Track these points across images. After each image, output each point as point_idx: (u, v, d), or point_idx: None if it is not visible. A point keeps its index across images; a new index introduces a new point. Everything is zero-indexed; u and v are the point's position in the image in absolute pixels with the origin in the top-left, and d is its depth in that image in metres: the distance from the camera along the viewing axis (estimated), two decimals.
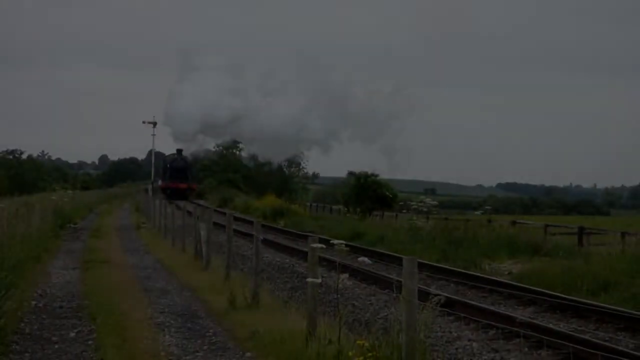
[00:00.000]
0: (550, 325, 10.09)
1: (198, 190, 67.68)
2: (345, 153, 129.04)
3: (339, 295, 8.70)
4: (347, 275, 7.60)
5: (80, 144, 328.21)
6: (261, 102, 60.09)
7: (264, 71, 68.97)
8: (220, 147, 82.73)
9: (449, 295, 10.96)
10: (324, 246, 7.91)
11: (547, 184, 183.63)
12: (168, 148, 74.16)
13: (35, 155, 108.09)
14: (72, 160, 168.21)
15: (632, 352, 8.58)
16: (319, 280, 8.12)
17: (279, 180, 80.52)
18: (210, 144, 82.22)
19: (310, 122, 57.63)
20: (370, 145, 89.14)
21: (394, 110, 57.58)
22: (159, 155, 79.87)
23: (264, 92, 61.34)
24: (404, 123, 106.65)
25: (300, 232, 27.11)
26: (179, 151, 68.76)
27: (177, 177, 65.03)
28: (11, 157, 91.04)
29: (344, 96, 59.78)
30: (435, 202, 28.43)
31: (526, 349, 9.06)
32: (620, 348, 8.71)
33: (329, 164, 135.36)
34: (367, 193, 36.69)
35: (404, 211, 32.00)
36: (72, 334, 9.15)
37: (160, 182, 67.53)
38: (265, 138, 58.69)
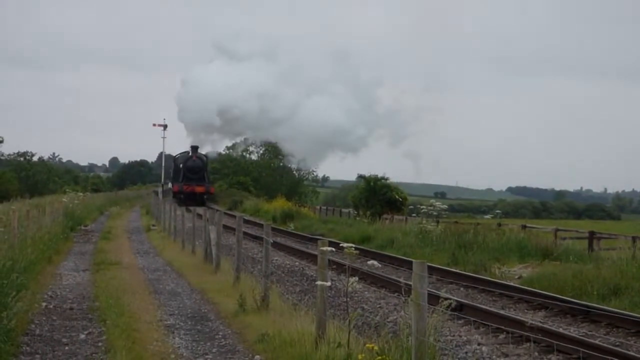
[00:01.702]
0: (561, 330, 10.05)
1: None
2: (358, 156, 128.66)
3: (348, 299, 8.70)
4: (356, 278, 7.58)
5: (90, 146, 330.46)
6: (305, 106, 57.91)
7: (298, 70, 64.93)
8: (230, 150, 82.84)
9: (459, 300, 10.93)
10: (333, 249, 7.92)
11: (558, 188, 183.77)
12: (178, 150, 70.65)
13: (46, 157, 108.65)
14: (83, 162, 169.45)
15: None
16: (329, 284, 8.12)
17: (289, 183, 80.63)
18: (222, 147, 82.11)
19: (355, 128, 56.80)
20: (394, 148, 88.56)
21: (420, 113, 57.36)
22: (169, 157, 73.44)
23: (305, 93, 59.65)
24: (428, 127, 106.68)
25: (309, 235, 27.10)
26: (194, 148, 59.19)
27: (192, 178, 56.27)
28: (22, 159, 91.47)
29: (373, 98, 59.54)
30: (445, 206, 28.25)
31: (536, 354, 9.02)
32: (631, 353, 8.66)
33: (339, 167, 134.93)
34: (377, 196, 36.65)
35: (414, 215, 31.95)
36: (83, 336, 9.19)
37: (171, 185, 59.59)
38: (309, 142, 56.71)
